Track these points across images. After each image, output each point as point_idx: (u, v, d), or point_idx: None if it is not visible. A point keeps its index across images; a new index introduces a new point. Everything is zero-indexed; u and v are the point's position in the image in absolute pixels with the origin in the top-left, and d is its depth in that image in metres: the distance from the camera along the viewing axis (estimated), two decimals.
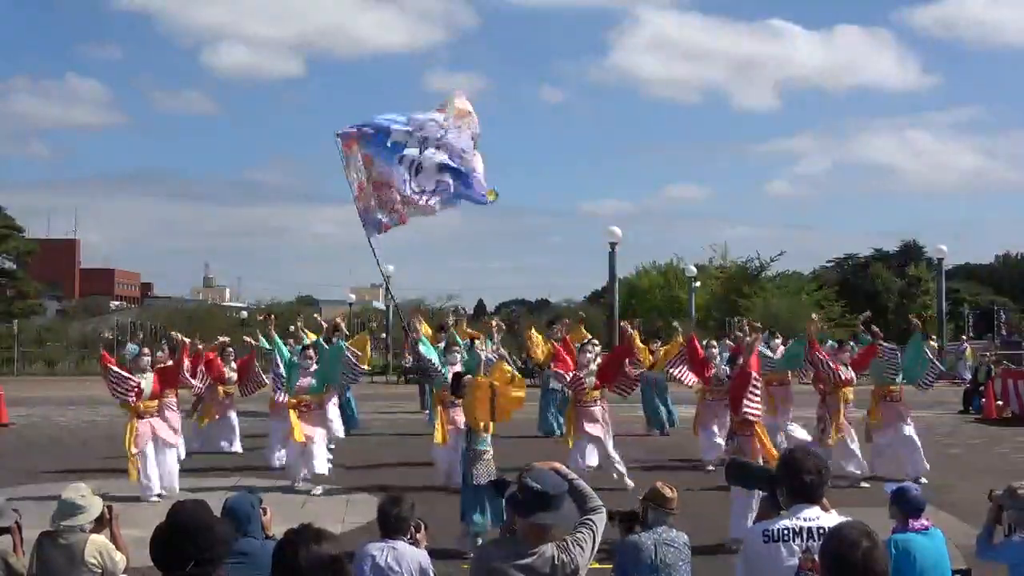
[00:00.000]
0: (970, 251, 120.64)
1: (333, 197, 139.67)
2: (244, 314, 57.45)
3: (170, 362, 13.43)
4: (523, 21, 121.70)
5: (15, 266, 49.91)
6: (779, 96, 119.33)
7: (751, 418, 10.25)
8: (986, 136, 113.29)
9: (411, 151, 17.17)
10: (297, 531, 3.29)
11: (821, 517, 4.00)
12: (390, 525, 5.46)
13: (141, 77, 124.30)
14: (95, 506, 5.51)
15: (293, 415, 12.47)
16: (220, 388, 15.82)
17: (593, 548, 3.97)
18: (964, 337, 36.72)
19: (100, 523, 5.54)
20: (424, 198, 17.35)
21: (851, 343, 14.52)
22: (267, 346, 14.37)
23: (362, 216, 17.50)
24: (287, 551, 3.22)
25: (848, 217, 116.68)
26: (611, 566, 5.94)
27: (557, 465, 4.13)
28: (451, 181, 17.41)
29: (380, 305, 51.90)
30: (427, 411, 17.95)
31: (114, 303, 73.35)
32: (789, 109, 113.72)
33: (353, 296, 52.53)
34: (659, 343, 17.88)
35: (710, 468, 13.67)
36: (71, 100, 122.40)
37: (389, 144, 17.11)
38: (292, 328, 15.61)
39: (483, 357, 12.69)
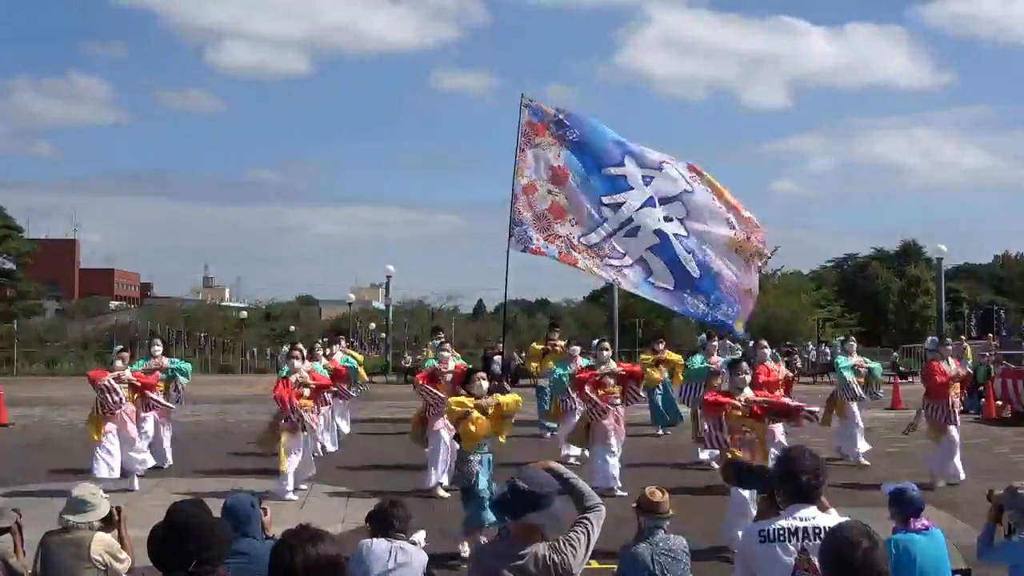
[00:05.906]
0: (970, 251, 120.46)
1: (334, 197, 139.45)
2: (244, 314, 57.48)
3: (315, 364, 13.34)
4: (534, 19, 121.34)
5: (15, 266, 49.92)
6: (789, 94, 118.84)
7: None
8: (992, 135, 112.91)
9: (632, 201, 11.33)
10: (295, 532, 3.28)
11: (818, 517, 4.00)
12: (394, 526, 5.45)
13: (145, 75, 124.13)
14: (103, 507, 5.65)
15: None
16: None
17: (588, 547, 3.93)
18: (963, 337, 36.70)
19: (109, 523, 5.66)
20: (618, 261, 11.34)
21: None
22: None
23: (513, 220, 11.93)
24: (285, 552, 3.21)
25: (850, 217, 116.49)
26: (612, 566, 5.93)
27: (552, 464, 4.12)
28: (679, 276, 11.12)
29: (380, 305, 51.89)
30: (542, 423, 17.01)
31: (114, 303, 73.47)
32: (799, 107, 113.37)
33: (353, 296, 52.58)
34: (662, 344, 17.67)
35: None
36: (74, 98, 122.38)
37: (600, 177, 11.56)
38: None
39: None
